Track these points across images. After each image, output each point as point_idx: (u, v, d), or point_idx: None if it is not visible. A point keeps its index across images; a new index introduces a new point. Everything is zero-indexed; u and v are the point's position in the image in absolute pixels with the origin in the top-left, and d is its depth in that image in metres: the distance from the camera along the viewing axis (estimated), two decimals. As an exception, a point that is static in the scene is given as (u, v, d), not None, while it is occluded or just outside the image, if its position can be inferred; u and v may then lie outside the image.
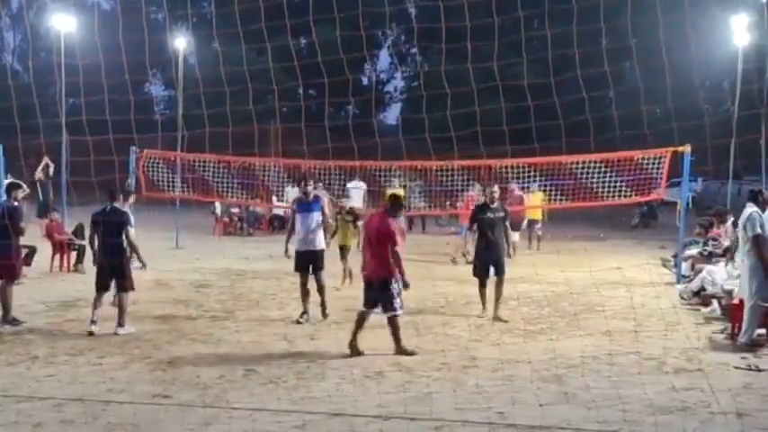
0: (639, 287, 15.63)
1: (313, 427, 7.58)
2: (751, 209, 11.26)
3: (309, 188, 12.71)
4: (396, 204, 11.01)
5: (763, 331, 11.35)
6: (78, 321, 11.91)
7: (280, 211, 27.31)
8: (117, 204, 12.01)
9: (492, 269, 13.11)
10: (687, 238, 17.83)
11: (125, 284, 11.75)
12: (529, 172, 20.46)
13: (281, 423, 7.66)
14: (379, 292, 10.47)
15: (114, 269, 11.64)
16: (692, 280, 14.99)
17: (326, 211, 12.95)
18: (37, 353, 10.32)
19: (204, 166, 21.20)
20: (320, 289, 12.64)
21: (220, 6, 29.39)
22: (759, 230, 10.97)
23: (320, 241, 12.75)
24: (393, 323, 10.51)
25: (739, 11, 26.03)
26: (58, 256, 17.80)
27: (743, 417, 7.84)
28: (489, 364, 9.86)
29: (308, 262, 12.59)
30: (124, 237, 11.74)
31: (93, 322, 11.48)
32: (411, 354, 10.37)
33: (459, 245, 19.87)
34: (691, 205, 18.41)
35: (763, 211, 11.37)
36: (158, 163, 20.77)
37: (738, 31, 25.27)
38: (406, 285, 10.61)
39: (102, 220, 11.72)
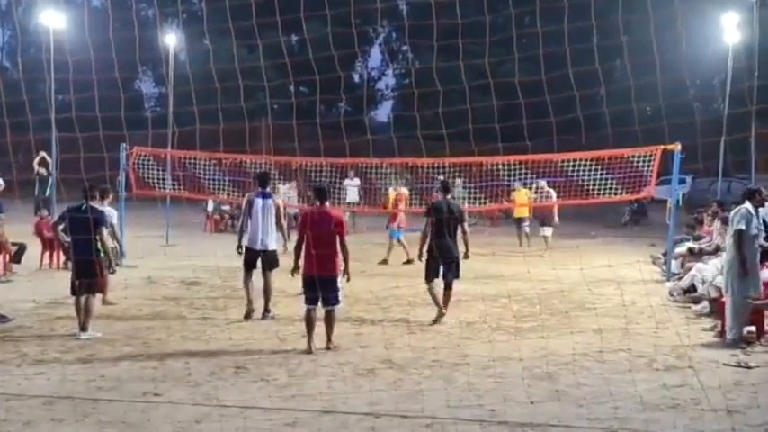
0: (630, 285, 15.65)
1: (304, 424, 7.58)
2: (744, 205, 11.31)
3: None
4: (321, 193, 10.84)
5: (752, 328, 11.39)
6: (69, 319, 11.85)
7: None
8: (93, 203, 11.80)
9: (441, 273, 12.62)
10: (677, 235, 17.90)
11: (94, 286, 11.45)
12: (519, 169, 20.48)
13: (273, 421, 7.66)
14: (325, 287, 10.35)
15: (85, 268, 11.30)
16: (681, 277, 15.05)
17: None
18: (26, 350, 10.29)
19: (195, 164, 21.17)
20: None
21: (210, 2, 29.28)
22: (743, 227, 11.00)
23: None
24: (331, 316, 10.52)
25: (729, 9, 26.10)
26: (47, 254, 17.73)
27: (733, 414, 7.86)
28: (480, 362, 9.87)
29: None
30: (99, 237, 11.41)
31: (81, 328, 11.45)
32: (335, 348, 10.46)
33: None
34: (681, 203, 18.47)
35: (754, 208, 11.38)
36: (149, 160, 20.72)
37: (728, 30, 25.35)
38: (347, 279, 10.66)
39: (78, 218, 11.43)
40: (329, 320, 10.54)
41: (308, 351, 10.33)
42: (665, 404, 8.21)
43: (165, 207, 23.44)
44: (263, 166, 22.44)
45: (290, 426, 7.54)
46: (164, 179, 21.34)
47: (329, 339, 10.53)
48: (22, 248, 17.14)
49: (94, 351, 10.32)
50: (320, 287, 10.34)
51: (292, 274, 10.82)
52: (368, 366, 9.64)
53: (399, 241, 20.02)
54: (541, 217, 22.06)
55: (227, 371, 9.43)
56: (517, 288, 15.18)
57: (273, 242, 12.81)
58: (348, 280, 10.68)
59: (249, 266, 12.76)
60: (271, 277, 12.69)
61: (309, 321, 10.51)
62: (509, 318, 12.67)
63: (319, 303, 10.54)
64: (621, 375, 9.30)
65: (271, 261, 12.73)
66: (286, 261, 12.59)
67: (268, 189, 13.08)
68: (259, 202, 12.73)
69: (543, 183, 20.97)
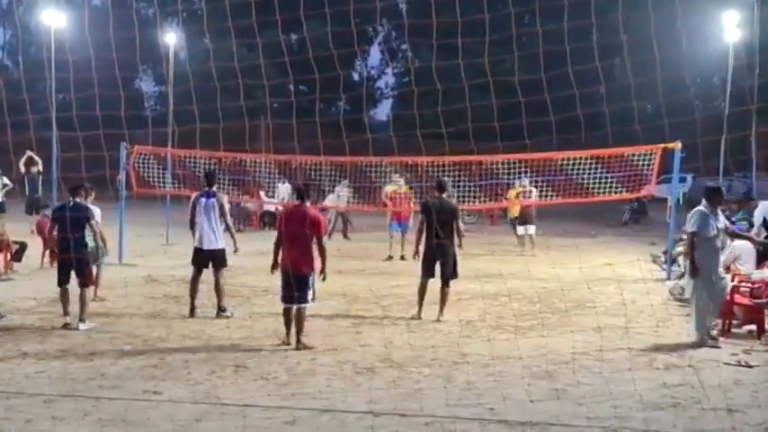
0: (630, 283, 15.66)
1: (303, 423, 7.58)
2: (699, 206, 11.23)
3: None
4: (301, 192, 11.01)
5: (753, 327, 11.40)
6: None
7: (270, 207, 27.34)
8: (79, 200, 12.04)
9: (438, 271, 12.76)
10: (677, 234, 17.89)
11: (84, 280, 11.80)
12: (519, 168, 20.45)
13: (272, 419, 7.67)
14: (296, 284, 10.50)
15: (74, 264, 11.64)
16: (681, 276, 15.03)
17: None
18: (27, 349, 10.30)
19: (195, 163, 21.16)
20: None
21: (210, 2, 29.28)
22: (696, 229, 10.94)
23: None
24: (300, 314, 10.59)
25: (730, 7, 26.09)
26: (48, 252, 17.72)
27: (733, 413, 7.86)
28: (480, 361, 9.87)
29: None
30: (89, 230, 11.88)
31: (66, 314, 11.69)
32: (310, 348, 10.46)
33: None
34: (681, 202, 18.47)
35: (713, 208, 11.25)
36: (149, 159, 20.72)
37: (729, 28, 25.34)
38: (324, 278, 10.78)
39: (63, 216, 11.78)
40: (297, 318, 10.60)
41: (287, 343, 10.64)
42: (665, 403, 8.21)
43: (166, 206, 23.44)
44: (263, 164, 22.48)
45: (289, 424, 7.55)
46: (164, 178, 21.34)
47: (298, 340, 10.56)
48: (23, 247, 17.16)
49: (95, 349, 10.33)
50: (296, 283, 10.53)
51: (272, 271, 10.99)
52: (367, 365, 9.65)
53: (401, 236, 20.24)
54: (524, 216, 21.97)
55: (226, 369, 9.44)
56: (517, 287, 15.19)
57: (219, 241, 12.91)
58: (324, 279, 10.79)
59: (196, 266, 12.95)
60: (220, 277, 12.84)
61: (287, 318, 10.75)
62: (509, 316, 12.68)
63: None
64: (621, 374, 9.30)
65: (216, 260, 12.86)
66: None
67: (213, 188, 13.14)
68: (203, 201, 12.87)
69: (526, 181, 20.94)
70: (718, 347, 10.70)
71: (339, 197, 24.31)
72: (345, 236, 25.50)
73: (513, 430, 7.45)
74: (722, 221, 11.45)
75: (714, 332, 11.02)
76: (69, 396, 8.28)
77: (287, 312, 10.75)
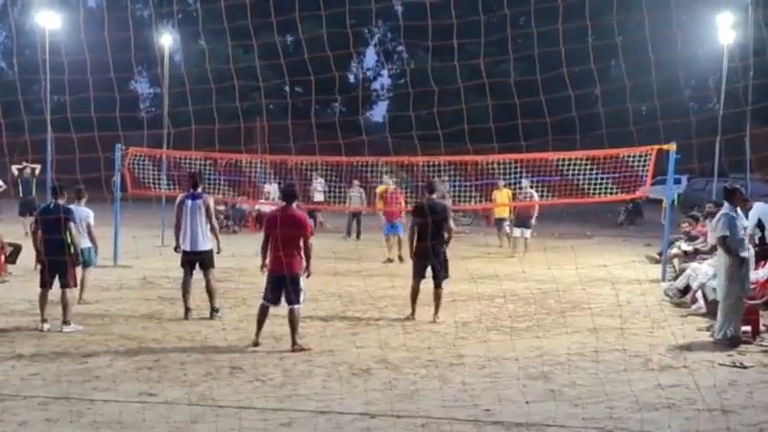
0: (625, 284, 15.68)
1: (299, 424, 7.57)
2: (723, 209, 11.32)
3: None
4: (289, 195, 10.99)
5: (748, 328, 11.41)
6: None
7: (266, 209, 27.32)
8: (61, 201, 12.01)
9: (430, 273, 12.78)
10: (672, 235, 17.94)
11: (67, 281, 11.74)
12: (514, 168, 20.45)
13: (268, 421, 7.66)
14: (290, 286, 10.51)
15: (56, 266, 11.62)
16: (677, 277, 15.06)
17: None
18: (22, 351, 10.27)
19: (190, 164, 21.14)
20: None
21: (206, 3, 29.27)
22: (726, 233, 10.98)
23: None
24: (295, 315, 10.57)
25: (724, 9, 26.13)
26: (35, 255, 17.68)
27: (728, 414, 7.88)
28: (476, 362, 9.88)
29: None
30: (67, 233, 11.74)
31: (43, 321, 11.60)
32: (306, 349, 10.45)
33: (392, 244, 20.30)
34: (676, 203, 18.52)
35: (735, 208, 11.33)
36: (144, 160, 20.70)
37: (723, 30, 25.38)
38: (308, 275, 10.85)
39: (45, 218, 11.76)
40: (292, 319, 10.57)
41: (256, 344, 10.63)
42: (660, 404, 8.22)
43: (161, 207, 23.41)
44: (258, 165, 22.47)
45: (285, 426, 7.54)
46: (159, 179, 21.31)
47: (294, 342, 10.52)
48: (17, 249, 17.12)
49: (89, 351, 10.31)
50: (285, 286, 10.52)
51: (261, 271, 10.97)
52: (363, 366, 9.64)
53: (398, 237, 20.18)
54: (522, 218, 21.85)
55: (222, 371, 9.43)
56: (513, 288, 15.18)
57: (206, 242, 12.83)
58: (308, 276, 10.84)
59: (185, 268, 12.87)
60: (210, 277, 12.80)
61: (262, 317, 10.76)
62: (504, 317, 12.68)
63: (282, 302, 10.70)
64: (617, 375, 9.31)
65: (205, 261, 12.81)
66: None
67: (198, 190, 13.03)
68: (188, 203, 12.77)
69: (526, 183, 20.87)
70: (751, 342, 10.93)
71: (351, 199, 24.37)
72: (358, 236, 25.48)
73: (508, 431, 7.45)
74: (746, 221, 11.55)
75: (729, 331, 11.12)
76: (64, 398, 8.25)
77: (264, 310, 10.74)
